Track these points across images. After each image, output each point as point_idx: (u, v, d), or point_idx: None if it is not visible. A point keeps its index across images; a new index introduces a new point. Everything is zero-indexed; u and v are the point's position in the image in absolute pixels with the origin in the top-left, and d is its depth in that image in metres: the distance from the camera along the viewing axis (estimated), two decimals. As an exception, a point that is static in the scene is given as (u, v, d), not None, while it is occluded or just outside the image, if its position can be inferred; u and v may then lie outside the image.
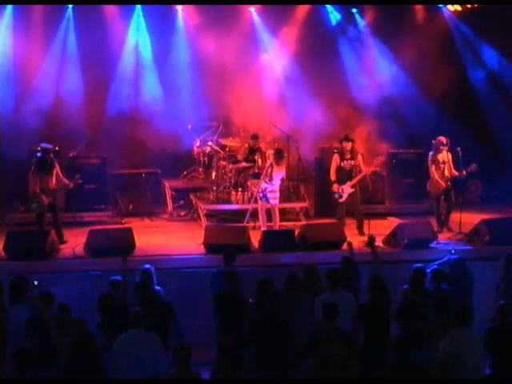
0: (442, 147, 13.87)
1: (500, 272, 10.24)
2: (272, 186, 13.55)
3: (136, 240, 12.50)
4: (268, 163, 13.76)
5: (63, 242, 12.96)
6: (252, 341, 8.37)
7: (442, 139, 13.91)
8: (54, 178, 12.91)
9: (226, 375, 7.62)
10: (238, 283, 9.67)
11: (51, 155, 13.12)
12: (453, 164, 13.97)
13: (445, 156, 13.93)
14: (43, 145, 13.22)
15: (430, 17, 17.33)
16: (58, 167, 13.05)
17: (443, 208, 14.12)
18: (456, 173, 13.85)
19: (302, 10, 17.04)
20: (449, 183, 13.94)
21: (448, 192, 13.99)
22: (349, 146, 13.80)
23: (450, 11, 17.29)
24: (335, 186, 13.77)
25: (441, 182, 13.91)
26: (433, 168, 13.94)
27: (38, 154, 13.20)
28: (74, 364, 7.52)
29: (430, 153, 14.05)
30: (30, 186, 12.95)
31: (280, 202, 13.96)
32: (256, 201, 13.92)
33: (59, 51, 16.07)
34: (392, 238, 13.03)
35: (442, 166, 13.93)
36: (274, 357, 8.24)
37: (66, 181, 13.06)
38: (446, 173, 13.89)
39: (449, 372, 7.72)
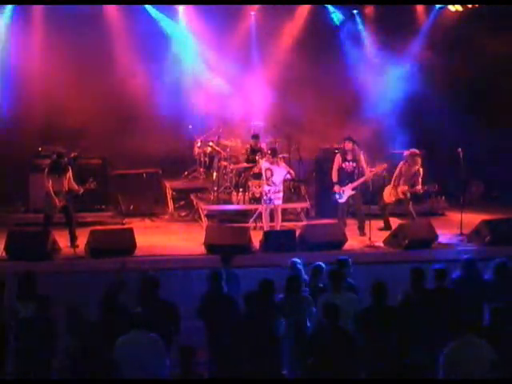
0: (417, 160, 13.84)
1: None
2: (275, 186, 13.54)
3: (137, 240, 12.51)
4: (265, 166, 13.66)
5: (75, 246, 12.89)
6: (239, 342, 8.35)
7: (418, 153, 13.90)
8: (66, 181, 12.93)
9: (223, 375, 7.65)
10: (228, 283, 9.61)
11: (65, 159, 13.16)
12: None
13: (415, 170, 13.82)
14: (59, 149, 13.29)
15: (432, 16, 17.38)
16: (71, 172, 13.07)
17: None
18: (416, 187, 13.76)
19: (303, 10, 17.08)
20: (407, 194, 13.86)
21: (402, 201, 13.96)
22: (350, 145, 13.78)
23: (451, 11, 17.29)
24: (336, 187, 13.77)
25: (399, 193, 13.87)
26: (400, 178, 13.89)
27: (53, 157, 13.26)
28: (86, 363, 7.53)
29: (402, 162, 13.95)
30: (44, 187, 12.94)
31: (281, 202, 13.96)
32: (260, 201, 13.93)
33: (59, 51, 16.07)
34: (393, 239, 13.04)
35: (404, 176, 13.88)
36: (256, 359, 8.17)
37: (76, 186, 13.05)
38: (406, 187, 13.77)
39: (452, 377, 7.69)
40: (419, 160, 13.89)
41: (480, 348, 7.74)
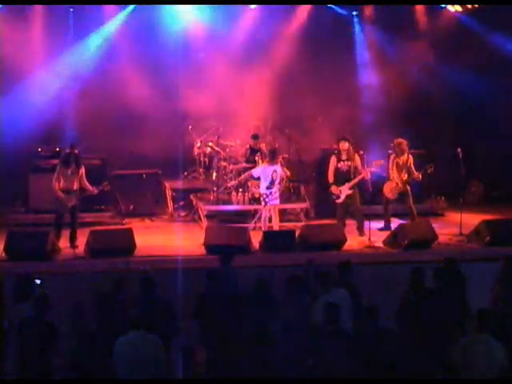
0: (404, 149, 13.88)
1: (498, 272, 10.14)
2: (277, 187, 13.58)
3: (136, 241, 12.51)
4: (271, 169, 13.61)
5: (74, 247, 12.88)
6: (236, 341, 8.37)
7: (404, 141, 13.93)
8: (78, 179, 12.87)
9: (221, 375, 7.66)
10: (224, 282, 9.63)
11: (76, 151, 13.08)
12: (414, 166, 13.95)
13: (405, 158, 13.91)
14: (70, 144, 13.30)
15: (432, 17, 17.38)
16: (83, 170, 12.98)
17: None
18: (414, 176, 13.82)
19: (304, 9, 17.10)
20: (407, 186, 13.93)
21: (404, 196, 14.00)
22: (345, 145, 13.78)
23: (451, 12, 17.31)
24: (333, 188, 13.78)
25: (400, 185, 13.92)
26: (393, 171, 13.94)
27: (65, 151, 13.27)
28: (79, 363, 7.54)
29: (393, 155, 14.02)
30: (54, 184, 12.81)
31: (280, 203, 13.96)
32: (259, 202, 13.93)
33: (59, 51, 16.08)
34: (393, 239, 13.03)
35: (402, 169, 13.92)
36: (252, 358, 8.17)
37: (90, 186, 12.99)
38: (405, 176, 13.85)
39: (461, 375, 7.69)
40: (406, 148, 13.94)
41: (493, 349, 7.75)
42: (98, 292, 9.33)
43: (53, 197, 12.89)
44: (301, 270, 9.87)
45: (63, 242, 12.86)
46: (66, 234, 13.04)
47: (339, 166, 13.80)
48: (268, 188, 13.54)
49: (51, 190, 12.83)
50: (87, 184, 12.93)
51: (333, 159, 13.91)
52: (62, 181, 12.76)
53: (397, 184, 13.91)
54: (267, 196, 13.55)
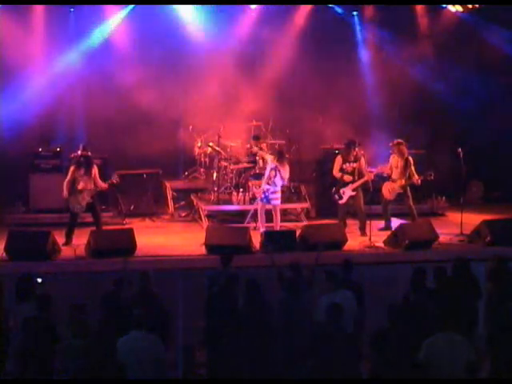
0: (404, 150, 13.85)
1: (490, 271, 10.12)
2: (275, 187, 13.54)
3: (137, 241, 12.51)
4: (272, 166, 13.61)
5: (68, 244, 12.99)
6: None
7: (403, 142, 13.91)
8: (93, 179, 13.02)
9: (221, 375, 7.66)
10: (228, 284, 9.64)
11: (88, 153, 13.17)
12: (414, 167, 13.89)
13: (405, 160, 13.86)
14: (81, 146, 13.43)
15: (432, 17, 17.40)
16: (96, 170, 13.17)
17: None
18: (413, 178, 13.78)
19: (304, 9, 17.10)
20: (406, 188, 13.90)
21: (403, 196, 13.99)
22: (355, 151, 13.78)
23: (451, 12, 17.32)
24: (336, 187, 13.78)
25: (398, 186, 13.91)
26: (393, 172, 13.93)
27: (77, 154, 13.35)
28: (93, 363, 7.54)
29: (392, 156, 13.99)
30: (65, 185, 13.01)
31: (281, 203, 13.95)
32: (256, 201, 13.93)
33: (59, 51, 16.08)
34: (393, 239, 13.03)
35: (397, 169, 13.91)
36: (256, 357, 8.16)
37: (102, 183, 13.17)
38: (405, 178, 13.81)
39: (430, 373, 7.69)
40: (405, 149, 13.92)
41: (457, 346, 7.73)
42: (100, 292, 9.35)
43: (70, 197, 13.01)
44: (304, 270, 9.84)
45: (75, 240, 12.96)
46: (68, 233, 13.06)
47: (344, 166, 13.79)
48: (268, 184, 13.50)
49: (62, 191, 12.97)
50: (100, 182, 13.15)
51: (338, 159, 13.88)
52: (78, 182, 12.92)
53: (395, 185, 13.89)
54: (264, 193, 13.54)
